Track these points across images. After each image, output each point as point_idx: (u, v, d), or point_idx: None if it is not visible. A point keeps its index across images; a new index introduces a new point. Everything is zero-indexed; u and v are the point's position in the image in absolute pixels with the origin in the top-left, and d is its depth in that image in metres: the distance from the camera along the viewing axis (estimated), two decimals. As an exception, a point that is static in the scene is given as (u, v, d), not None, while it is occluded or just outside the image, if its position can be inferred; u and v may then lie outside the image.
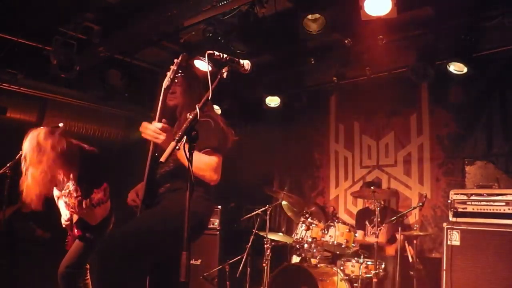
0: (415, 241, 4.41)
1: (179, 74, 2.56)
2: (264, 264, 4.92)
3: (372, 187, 4.87)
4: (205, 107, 2.60)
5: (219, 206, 5.72)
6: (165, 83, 2.53)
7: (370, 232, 5.19)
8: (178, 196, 2.36)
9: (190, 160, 2.04)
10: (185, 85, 2.68)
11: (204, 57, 2.25)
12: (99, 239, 3.54)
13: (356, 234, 4.78)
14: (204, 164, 2.44)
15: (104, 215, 3.52)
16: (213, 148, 2.51)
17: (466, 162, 5.19)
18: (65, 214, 3.61)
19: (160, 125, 2.38)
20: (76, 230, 3.53)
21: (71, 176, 3.46)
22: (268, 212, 5.18)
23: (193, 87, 2.64)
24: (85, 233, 3.52)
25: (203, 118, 2.53)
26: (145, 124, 2.41)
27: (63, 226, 3.61)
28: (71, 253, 3.52)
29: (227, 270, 5.31)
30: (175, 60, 2.54)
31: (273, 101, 6.17)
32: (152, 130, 2.36)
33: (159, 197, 2.57)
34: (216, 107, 5.15)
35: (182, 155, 2.29)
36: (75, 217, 3.51)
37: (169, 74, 2.53)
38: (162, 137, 2.34)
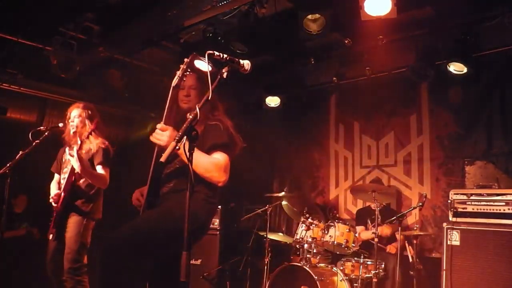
0: (415, 241, 4.40)
1: (188, 72, 2.55)
2: (264, 264, 4.92)
3: (373, 186, 4.88)
4: (216, 111, 2.64)
5: (219, 206, 5.72)
6: (174, 82, 2.53)
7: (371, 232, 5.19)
8: (181, 197, 2.36)
9: (190, 160, 2.04)
10: (199, 88, 2.68)
11: (204, 57, 2.25)
12: (91, 213, 3.63)
13: (356, 234, 4.78)
14: (211, 164, 2.43)
15: (100, 186, 3.67)
16: (221, 146, 2.50)
17: (466, 162, 5.19)
18: (53, 192, 3.72)
19: (160, 125, 2.38)
20: (63, 194, 3.57)
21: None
22: (268, 212, 5.19)
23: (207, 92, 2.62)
24: (76, 201, 3.60)
25: (213, 121, 2.56)
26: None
27: (51, 201, 3.65)
28: (68, 248, 3.51)
29: (227, 270, 5.31)
30: (185, 60, 2.54)
31: (273, 101, 6.17)
32: (155, 133, 2.37)
33: (163, 197, 2.58)
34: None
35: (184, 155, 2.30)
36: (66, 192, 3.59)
37: (178, 73, 2.53)
38: (165, 138, 2.34)
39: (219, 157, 2.49)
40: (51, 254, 3.62)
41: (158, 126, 2.39)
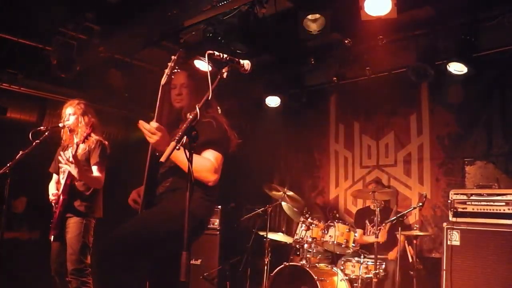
0: (415, 241, 4.40)
1: (176, 70, 2.56)
2: (264, 264, 4.92)
3: (372, 187, 4.87)
4: (210, 109, 2.62)
5: (219, 206, 5.72)
6: (163, 80, 2.54)
7: (370, 232, 5.19)
8: (178, 196, 2.36)
9: (190, 160, 2.03)
10: (191, 87, 2.67)
11: (204, 57, 2.24)
12: (90, 213, 3.65)
13: (356, 234, 4.78)
14: (200, 164, 2.40)
15: (96, 187, 3.70)
16: (213, 143, 2.48)
17: (466, 162, 5.19)
18: (52, 193, 3.75)
19: (155, 124, 2.35)
20: (62, 197, 3.59)
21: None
22: (268, 212, 5.19)
23: (199, 89, 2.60)
24: (75, 202, 3.62)
25: (206, 119, 2.53)
26: (141, 122, 2.35)
27: (51, 201, 3.69)
28: (71, 249, 3.54)
29: (227, 270, 5.31)
30: (172, 57, 2.55)
31: (273, 101, 6.17)
32: (147, 129, 2.33)
33: (159, 197, 2.57)
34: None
35: (176, 157, 2.29)
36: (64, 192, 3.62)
37: (166, 71, 2.53)
38: (156, 137, 2.30)
39: (210, 157, 2.47)
40: (55, 255, 3.65)
41: (153, 124, 2.34)
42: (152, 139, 2.32)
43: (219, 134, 2.55)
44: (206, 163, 2.45)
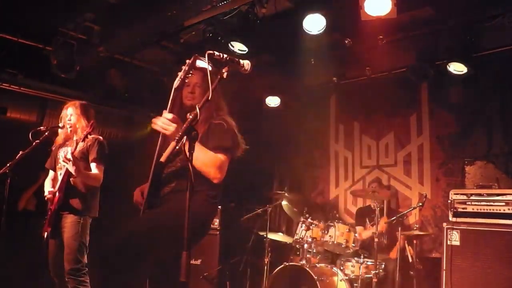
0: (415, 241, 4.41)
1: (190, 74, 2.55)
2: (264, 264, 4.92)
3: (373, 186, 4.87)
4: (220, 111, 2.65)
5: (219, 206, 5.71)
6: (176, 83, 2.52)
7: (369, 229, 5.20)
8: (182, 198, 2.36)
9: (190, 160, 2.04)
10: (204, 86, 2.66)
11: (204, 57, 2.25)
12: (86, 212, 3.62)
13: (356, 234, 4.78)
14: (210, 160, 2.46)
15: (94, 184, 3.65)
16: (224, 148, 2.53)
17: (466, 162, 5.19)
18: (48, 190, 3.71)
19: (170, 115, 2.38)
20: (58, 194, 3.55)
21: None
22: (268, 212, 5.19)
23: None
24: (71, 200, 3.58)
25: (217, 120, 2.57)
26: (154, 120, 2.40)
27: (46, 198, 3.65)
28: (68, 249, 3.52)
29: (227, 270, 5.31)
30: (187, 61, 2.54)
31: (273, 101, 6.17)
32: (162, 121, 2.36)
33: (163, 198, 2.57)
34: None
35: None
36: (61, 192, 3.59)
37: (180, 74, 2.52)
38: (172, 128, 2.34)
39: (220, 156, 2.51)
40: (52, 256, 3.62)
41: (167, 115, 2.38)
42: (168, 130, 2.35)
43: (231, 141, 2.59)
44: (216, 159, 2.49)
